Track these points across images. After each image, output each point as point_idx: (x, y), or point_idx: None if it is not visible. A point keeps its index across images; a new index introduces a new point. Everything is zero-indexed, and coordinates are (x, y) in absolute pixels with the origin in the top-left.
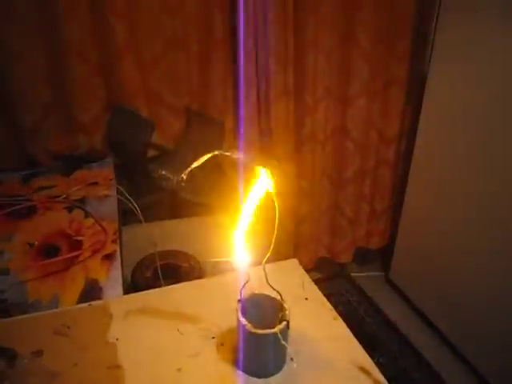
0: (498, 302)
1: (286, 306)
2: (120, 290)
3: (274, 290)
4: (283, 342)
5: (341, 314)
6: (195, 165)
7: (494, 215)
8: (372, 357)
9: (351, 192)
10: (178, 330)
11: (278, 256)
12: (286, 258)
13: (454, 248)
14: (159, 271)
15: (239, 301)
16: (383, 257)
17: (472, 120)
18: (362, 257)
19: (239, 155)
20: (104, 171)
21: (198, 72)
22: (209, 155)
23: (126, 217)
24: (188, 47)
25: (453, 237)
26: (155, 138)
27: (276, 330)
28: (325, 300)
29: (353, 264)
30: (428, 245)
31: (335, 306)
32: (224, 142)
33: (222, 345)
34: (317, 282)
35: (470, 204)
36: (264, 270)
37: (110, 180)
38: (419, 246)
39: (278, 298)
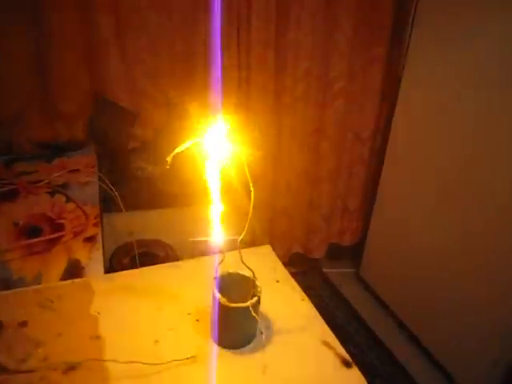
0: (463, 299)
1: (257, 283)
2: (101, 269)
3: (248, 268)
4: (254, 315)
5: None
6: (178, 150)
7: (463, 214)
8: None
9: (326, 189)
10: (156, 306)
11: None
12: None
13: (422, 246)
14: (137, 259)
15: (215, 278)
16: (355, 254)
17: (443, 121)
18: (335, 253)
19: (220, 143)
20: (86, 159)
21: (181, 67)
22: (192, 141)
23: (105, 205)
24: (172, 43)
25: (421, 235)
26: (136, 130)
27: (248, 303)
28: (295, 283)
29: (325, 260)
30: (397, 243)
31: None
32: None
33: (198, 320)
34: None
35: (440, 203)
36: (239, 249)
37: (92, 167)
38: (389, 243)
39: (251, 276)
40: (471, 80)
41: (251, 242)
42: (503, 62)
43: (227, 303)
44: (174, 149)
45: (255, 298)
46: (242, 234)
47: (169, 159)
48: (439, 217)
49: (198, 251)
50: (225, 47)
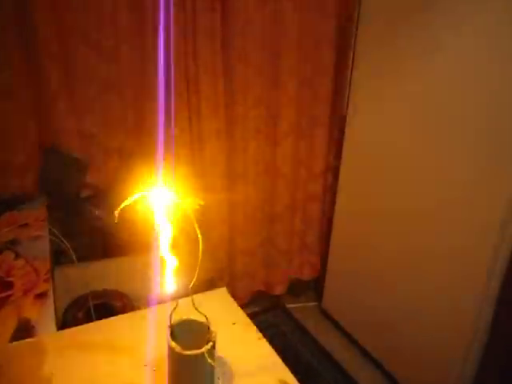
0: (427, 326)
1: (212, 328)
2: (53, 327)
3: (201, 313)
4: (210, 361)
5: (277, 345)
6: (125, 203)
7: (415, 241)
8: None
9: (283, 226)
10: (112, 360)
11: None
12: None
13: (379, 275)
14: (92, 311)
15: (169, 326)
16: (316, 287)
17: (387, 154)
18: (297, 288)
19: (166, 195)
20: (36, 212)
21: (133, 114)
22: (138, 194)
23: (58, 257)
24: (122, 91)
25: (377, 265)
26: (89, 178)
27: (203, 350)
28: (251, 323)
29: (288, 296)
30: (355, 273)
31: (271, 339)
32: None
33: (155, 370)
34: (253, 315)
35: (391, 233)
36: (191, 295)
37: (42, 221)
38: (347, 274)
39: (205, 321)
40: (412, 114)
41: (211, 285)
42: (441, 95)
43: (181, 351)
44: (127, 196)
45: (210, 344)
46: (193, 281)
47: (116, 213)
48: (393, 245)
49: (154, 299)
50: (176, 93)
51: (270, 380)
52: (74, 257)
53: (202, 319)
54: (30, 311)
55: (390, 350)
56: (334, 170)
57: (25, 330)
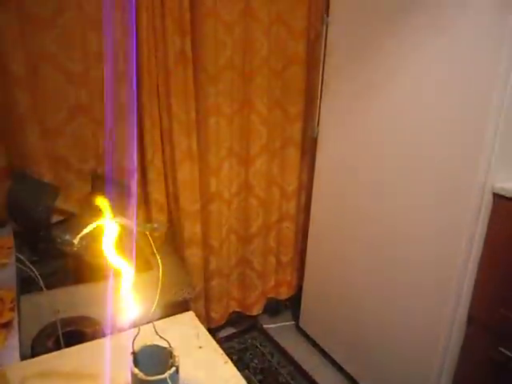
0: (401, 343)
1: (175, 353)
2: (17, 357)
3: (163, 339)
4: None
5: (256, 366)
6: (85, 231)
7: (390, 258)
8: None
9: (257, 246)
10: None
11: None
12: (197, 314)
13: (355, 294)
14: (61, 339)
15: (131, 353)
16: (293, 306)
17: (358, 171)
18: (274, 308)
19: (126, 221)
20: (2, 239)
21: (103, 137)
22: (96, 223)
23: (28, 285)
24: (92, 114)
25: (351, 282)
26: (60, 203)
27: (165, 375)
28: (217, 347)
29: (265, 316)
30: (330, 291)
31: (250, 360)
32: (129, 204)
33: None
34: (231, 336)
35: (364, 249)
36: (153, 321)
37: (9, 248)
38: (323, 292)
39: (168, 346)
40: (382, 131)
41: (185, 307)
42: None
43: (143, 377)
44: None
45: (173, 369)
46: (154, 306)
47: (77, 240)
48: (366, 261)
49: (121, 325)
50: (147, 115)
51: None
52: (41, 284)
53: (166, 344)
54: None
55: (366, 367)
56: (307, 189)
57: None
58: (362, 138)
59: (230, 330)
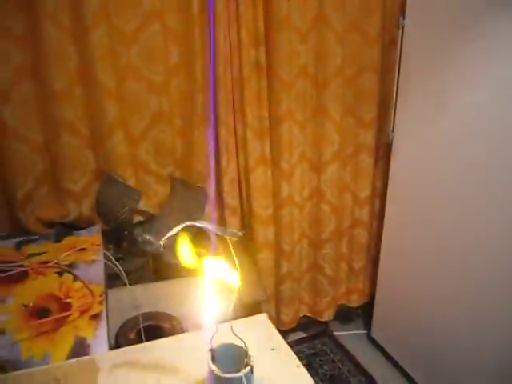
0: (474, 355)
1: (250, 353)
2: (106, 347)
3: (239, 338)
4: None
5: (325, 373)
6: (171, 233)
7: (466, 268)
8: None
9: (329, 252)
10: (158, 379)
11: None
12: (268, 316)
13: (429, 304)
14: (142, 332)
15: (209, 350)
16: (365, 314)
17: (435, 179)
18: (345, 315)
19: (207, 226)
20: (92, 237)
21: (182, 144)
22: (182, 225)
23: (112, 280)
24: (172, 122)
25: (426, 291)
26: (141, 205)
27: (241, 373)
28: (290, 350)
29: (336, 322)
30: (403, 300)
31: (320, 366)
32: (205, 207)
33: None
34: (300, 341)
35: (440, 257)
36: (230, 322)
37: (98, 246)
38: (397, 302)
39: (244, 346)
40: (459, 138)
41: (257, 309)
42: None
43: (220, 374)
44: (178, 222)
45: (248, 368)
46: (231, 306)
47: (162, 241)
48: (444, 272)
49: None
50: (222, 123)
51: None
52: (125, 280)
53: (241, 344)
54: (86, 331)
55: (439, 380)
56: (381, 196)
57: (81, 348)
58: (437, 144)
59: (300, 335)
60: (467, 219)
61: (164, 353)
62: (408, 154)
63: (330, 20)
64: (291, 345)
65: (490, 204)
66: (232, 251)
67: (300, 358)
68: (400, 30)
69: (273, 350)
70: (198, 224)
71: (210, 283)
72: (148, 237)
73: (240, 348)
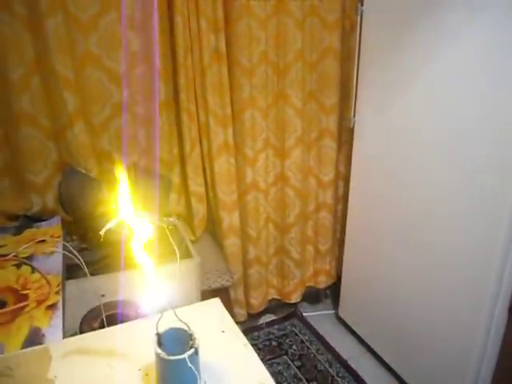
0: (440, 334)
1: (194, 335)
2: (60, 335)
3: (182, 322)
4: (190, 365)
5: (294, 353)
6: (108, 226)
7: (428, 247)
8: None
9: (295, 235)
10: (110, 364)
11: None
12: (237, 300)
13: (393, 282)
14: (104, 321)
15: (156, 334)
16: (333, 295)
17: (395, 160)
18: (313, 296)
19: (141, 215)
20: (52, 229)
21: (144, 132)
22: (118, 219)
23: (77, 270)
24: (134, 110)
25: (390, 271)
26: (104, 195)
27: (184, 355)
28: (238, 331)
29: (305, 304)
30: (368, 280)
31: (290, 346)
32: (170, 195)
33: (147, 375)
34: (271, 323)
35: (403, 237)
36: (175, 307)
37: (57, 237)
38: (362, 282)
39: (189, 330)
40: (418, 120)
41: (225, 294)
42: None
43: (165, 356)
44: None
45: (192, 350)
46: (169, 296)
47: (101, 233)
48: (405, 250)
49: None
50: (184, 110)
51: (251, 383)
52: (86, 270)
53: (191, 328)
54: (41, 321)
55: (405, 358)
56: (344, 179)
57: (35, 338)
58: (399, 127)
59: (270, 317)
60: (429, 199)
61: (116, 339)
62: (369, 138)
63: (289, 6)
64: (262, 327)
65: (451, 184)
66: (170, 239)
67: (271, 340)
68: (359, 17)
69: (223, 332)
70: (134, 215)
71: (151, 271)
72: (114, 226)
73: (185, 331)
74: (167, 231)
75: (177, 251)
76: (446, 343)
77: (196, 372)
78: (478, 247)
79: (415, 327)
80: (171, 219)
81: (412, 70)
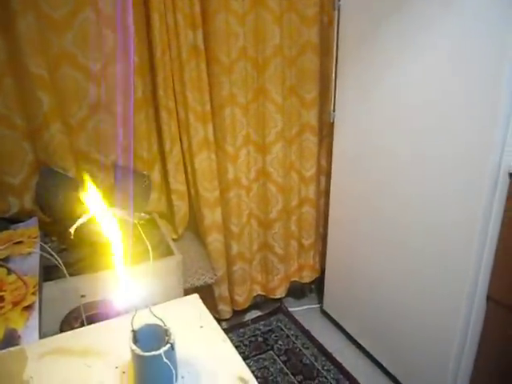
0: (423, 324)
1: (170, 331)
2: (37, 336)
3: (157, 318)
4: (166, 361)
5: (280, 348)
6: (78, 223)
7: (409, 238)
8: None
9: (278, 230)
10: (87, 363)
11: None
12: (221, 297)
13: (376, 275)
14: (84, 321)
15: (131, 331)
16: (317, 289)
17: (376, 154)
18: (298, 291)
19: (117, 212)
20: (29, 230)
21: (123, 130)
22: (89, 215)
23: (55, 272)
24: (112, 109)
25: (371, 263)
26: (84, 195)
27: (160, 351)
28: (217, 326)
29: (290, 299)
30: (351, 273)
31: (275, 341)
32: (150, 194)
33: (124, 372)
34: (257, 319)
35: (384, 229)
36: (149, 303)
37: (34, 238)
38: (346, 275)
39: (164, 326)
40: (398, 113)
41: (210, 291)
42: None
43: (140, 353)
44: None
45: (168, 346)
46: (145, 293)
47: (72, 230)
48: (387, 244)
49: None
50: (163, 107)
51: (230, 377)
52: (65, 271)
53: (168, 324)
54: (17, 322)
55: (388, 348)
56: (326, 174)
57: (11, 339)
58: (378, 120)
59: (256, 313)
60: (408, 191)
61: (93, 338)
62: (349, 132)
63: (267, 1)
64: (248, 324)
65: (430, 175)
66: (142, 234)
67: (257, 335)
68: (336, 11)
69: (201, 327)
70: (105, 211)
71: (123, 268)
72: (93, 226)
73: (160, 327)
74: (138, 227)
75: (149, 248)
76: (427, 333)
77: (172, 367)
78: (456, 238)
79: (397, 318)
80: (142, 214)
81: (388, 62)
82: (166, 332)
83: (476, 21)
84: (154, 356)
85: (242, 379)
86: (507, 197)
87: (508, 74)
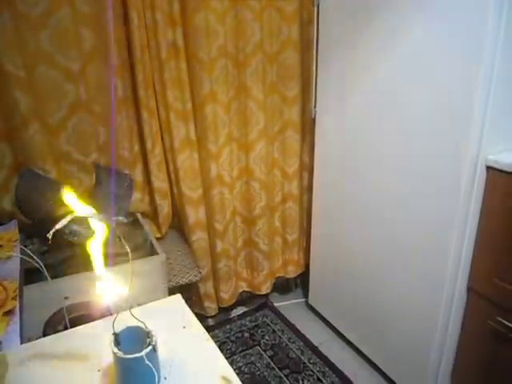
0: (401, 312)
1: (152, 333)
2: (18, 341)
3: (139, 320)
4: (147, 363)
5: (266, 343)
6: (58, 226)
7: (392, 230)
8: (297, 380)
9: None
10: (68, 367)
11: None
12: (207, 294)
13: (359, 268)
14: (67, 324)
15: (113, 334)
16: (303, 284)
17: (356, 151)
18: (284, 286)
19: (92, 214)
20: (8, 234)
21: (104, 130)
22: (68, 218)
23: (38, 275)
24: (92, 108)
25: (354, 257)
26: (65, 196)
27: (142, 353)
28: (200, 326)
29: (276, 294)
30: (335, 267)
31: (262, 337)
32: (132, 194)
33: (106, 375)
34: (243, 315)
35: (365, 223)
36: (130, 304)
37: (14, 241)
38: (328, 269)
39: (146, 327)
40: (378, 108)
41: (195, 289)
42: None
43: (122, 355)
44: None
45: (149, 347)
46: (129, 294)
47: (49, 235)
48: (368, 237)
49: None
50: (144, 106)
51: (213, 377)
52: (46, 273)
53: (149, 326)
54: None
55: (372, 340)
56: (309, 170)
57: None
58: (358, 115)
59: (242, 309)
60: (389, 186)
61: (75, 341)
62: (330, 128)
63: None
64: (234, 320)
65: (411, 168)
66: (121, 238)
67: (243, 331)
68: (315, 8)
69: (184, 327)
70: (83, 213)
71: (102, 269)
72: (75, 227)
73: (142, 329)
74: (116, 230)
75: (128, 250)
76: (410, 324)
77: (154, 369)
78: (437, 230)
79: (380, 310)
80: (120, 218)
81: (367, 59)
82: (148, 334)
83: (452, 19)
84: (135, 358)
85: (225, 378)
86: (485, 189)
87: (483, 71)
